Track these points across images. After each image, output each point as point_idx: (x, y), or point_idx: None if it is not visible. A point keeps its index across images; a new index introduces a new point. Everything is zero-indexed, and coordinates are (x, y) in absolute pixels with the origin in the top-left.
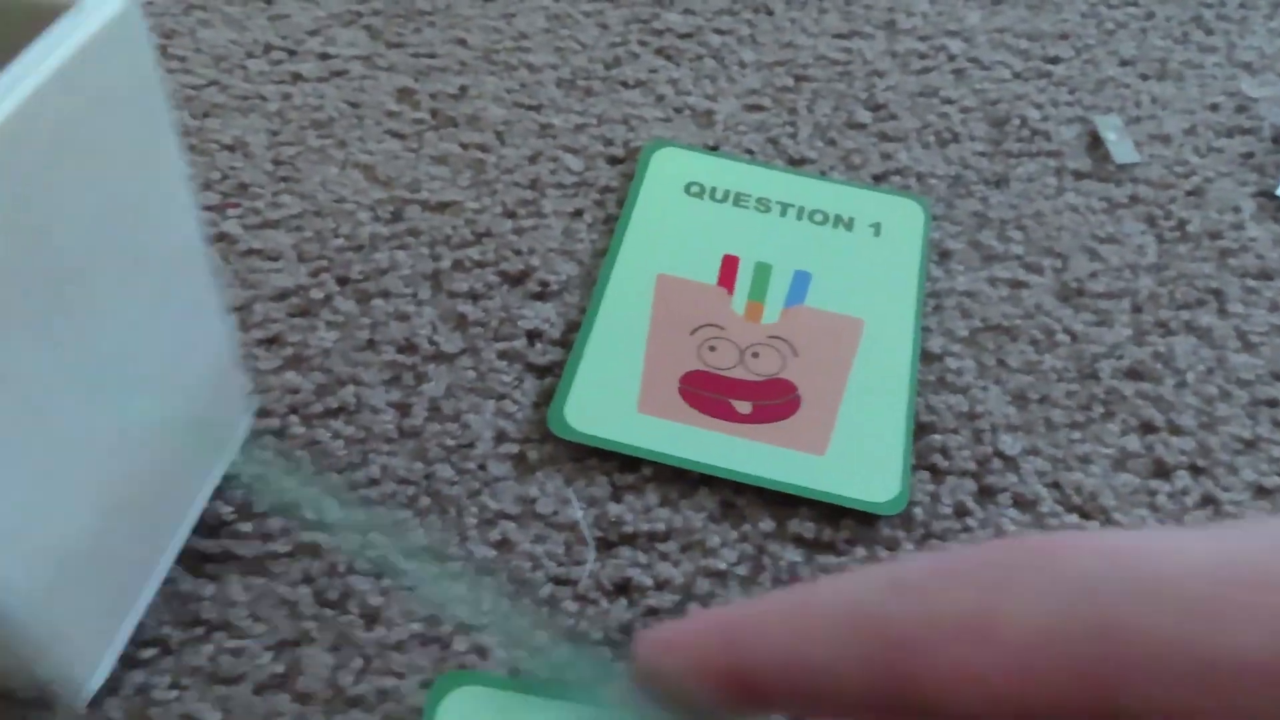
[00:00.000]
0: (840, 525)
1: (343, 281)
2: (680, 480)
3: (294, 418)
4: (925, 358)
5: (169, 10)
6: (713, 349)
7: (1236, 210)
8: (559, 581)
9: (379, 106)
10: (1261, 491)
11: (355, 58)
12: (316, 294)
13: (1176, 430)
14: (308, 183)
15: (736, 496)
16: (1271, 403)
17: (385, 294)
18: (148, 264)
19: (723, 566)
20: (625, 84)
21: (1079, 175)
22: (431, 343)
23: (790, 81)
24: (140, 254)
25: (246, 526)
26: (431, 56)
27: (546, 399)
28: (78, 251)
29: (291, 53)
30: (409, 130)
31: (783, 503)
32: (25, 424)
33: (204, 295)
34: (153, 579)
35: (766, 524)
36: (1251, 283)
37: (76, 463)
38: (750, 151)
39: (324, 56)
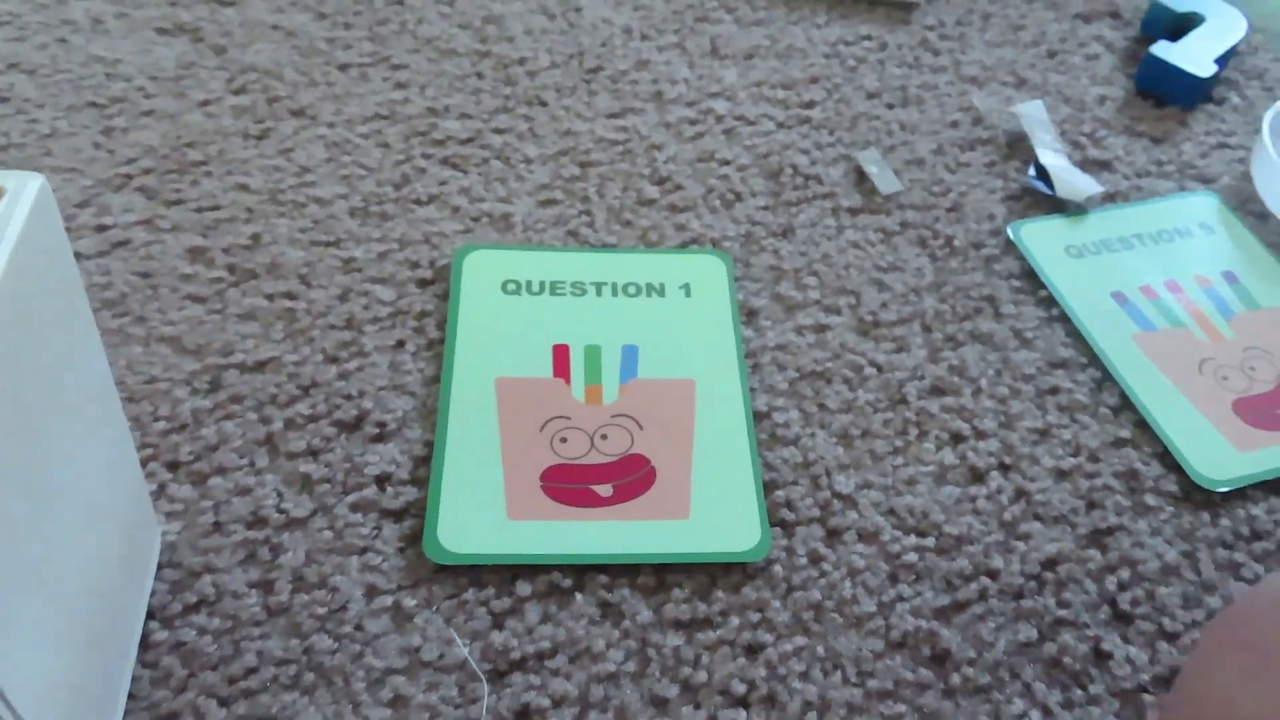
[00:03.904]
0: (712, 599)
1: (173, 467)
2: (555, 592)
3: (153, 623)
4: (755, 417)
5: None
6: (564, 440)
7: (991, 218)
8: None
9: (172, 271)
10: (1061, 474)
11: (135, 224)
12: (149, 485)
13: (982, 435)
14: (113, 368)
15: (611, 593)
16: (1054, 390)
17: (221, 470)
18: (81, 406)
19: (612, 668)
20: (419, 201)
21: (853, 212)
22: (280, 511)
23: (577, 170)
24: (79, 392)
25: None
26: (216, 208)
27: (410, 541)
28: (36, 401)
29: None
30: (208, 291)
31: (655, 589)
32: (17, 567)
33: (121, 432)
34: (122, 697)
35: (645, 615)
36: (1016, 283)
37: (58, 602)
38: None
39: (100, 229)
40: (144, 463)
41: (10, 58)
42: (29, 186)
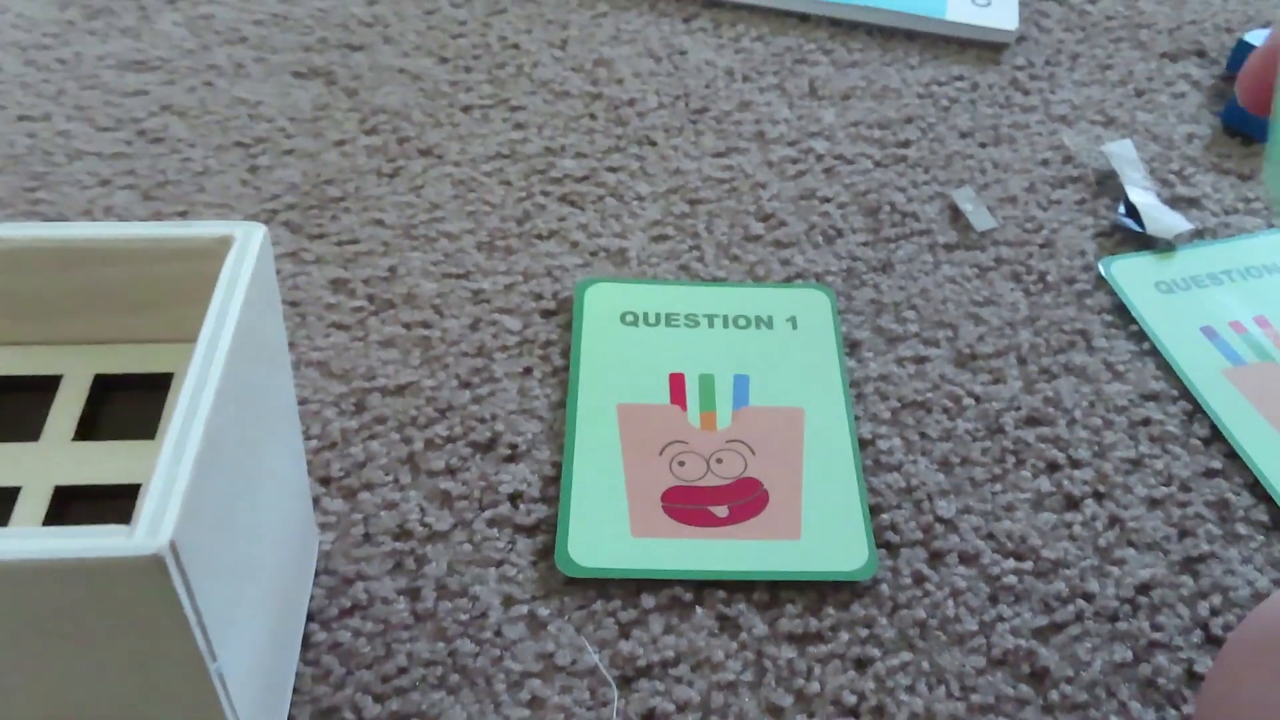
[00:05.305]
0: (823, 615)
1: (325, 482)
2: (677, 605)
3: (313, 625)
4: (860, 444)
5: None
6: (682, 464)
7: (1083, 254)
8: None
9: (317, 301)
10: (1154, 503)
11: (283, 256)
12: None
13: (1076, 464)
14: None
15: (728, 607)
16: (1145, 422)
17: (369, 486)
18: (280, 420)
19: (731, 678)
20: (540, 236)
21: (949, 248)
22: (424, 524)
23: (686, 207)
24: (278, 411)
25: None
26: (355, 242)
27: (542, 555)
28: (256, 421)
29: None
30: (351, 320)
31: (769, 604)
32: (240, 564)
33: (298, 448)
34: (289, 691)
35: (760, 629)
36: (1107, 318)
37: (259, 599)
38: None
39: None
40: None
41: (164, 100)
42: (254, 236)
